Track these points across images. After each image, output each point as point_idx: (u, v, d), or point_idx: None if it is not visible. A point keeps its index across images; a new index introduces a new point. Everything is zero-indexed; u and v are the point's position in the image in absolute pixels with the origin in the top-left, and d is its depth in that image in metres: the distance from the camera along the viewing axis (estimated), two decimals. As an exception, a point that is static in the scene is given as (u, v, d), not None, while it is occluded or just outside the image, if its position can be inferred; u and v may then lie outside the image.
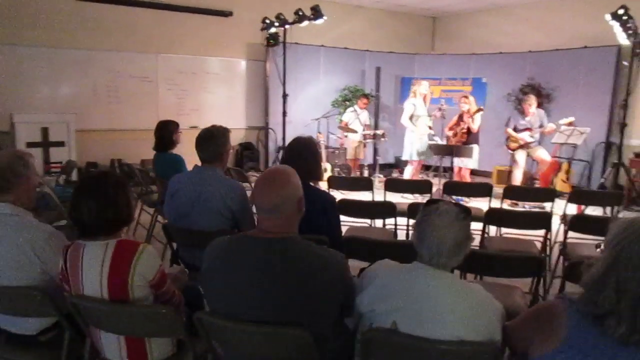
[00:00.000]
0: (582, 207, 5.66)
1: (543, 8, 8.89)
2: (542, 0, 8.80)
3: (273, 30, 6.70)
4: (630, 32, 5.82)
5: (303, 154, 2.81)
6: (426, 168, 8.60)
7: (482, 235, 3.90)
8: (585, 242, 4.05)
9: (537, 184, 7.68)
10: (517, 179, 7.04)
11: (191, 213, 2.85)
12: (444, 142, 7.16)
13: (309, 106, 8.84)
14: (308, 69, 8.89)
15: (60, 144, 6.56)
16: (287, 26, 6.42)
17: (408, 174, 7.38)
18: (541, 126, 6.92)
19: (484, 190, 4.70)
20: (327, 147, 8.15)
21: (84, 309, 1.89)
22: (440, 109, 7.19)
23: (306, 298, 1.67)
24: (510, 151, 7.16)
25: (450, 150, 6.38)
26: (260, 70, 8.79)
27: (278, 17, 6.47)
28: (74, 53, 7.20)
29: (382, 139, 8.03)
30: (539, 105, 7.12)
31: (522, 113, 7.02)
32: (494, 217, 3.80)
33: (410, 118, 7.20)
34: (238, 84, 8.72)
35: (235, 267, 1.73)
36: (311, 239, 1.83)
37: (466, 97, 7.00)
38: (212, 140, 2.91)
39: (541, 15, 8.93)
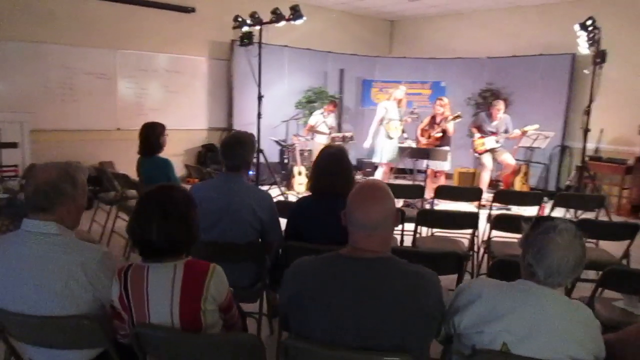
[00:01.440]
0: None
1: (499, 15, 9.17)
2: (499, 8, 9.09)
3: (246, 29, 6.46)
4: (591, 41, 6.09)
5: (333, 169, 2.64)
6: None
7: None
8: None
9: (501, 186, 7.93)
10: (485, 181, 7.22)
11: (218, 225, 2.65)
12: (415, 145, 7.20)
13: (274, 107, 8.62)
14: (273, 69, 8.66)
15: (13, 145, 5.99)
16: (261, 25, 6.19)
17: (379, 176, 7.37)
18: (506, 131, 7.14)
19: (475, 195, 4.76)
20: (301, 152, 8.02)
21: (150, 339, 1.69)
22: (412, 112, 7.22)
23: (409, 320, 1.58)
24: (477, 155, 7.33)
25: (426, 154, 6.42)
26: (223, 69, 8.50)
27: (252, 15, 6.24)
28: (21, 46, 6.59)
29: (351, 142, 8.01)
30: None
31: (490, 117, 7.19)
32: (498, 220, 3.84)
33: (381, 121, 7.18)
34: (200, 83, 8.37)
35: (331, 290, 1.60)
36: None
37: (441, 99, 7.06)
38: (239, 146, 2.73)
39: (498, 22, 9.21)
